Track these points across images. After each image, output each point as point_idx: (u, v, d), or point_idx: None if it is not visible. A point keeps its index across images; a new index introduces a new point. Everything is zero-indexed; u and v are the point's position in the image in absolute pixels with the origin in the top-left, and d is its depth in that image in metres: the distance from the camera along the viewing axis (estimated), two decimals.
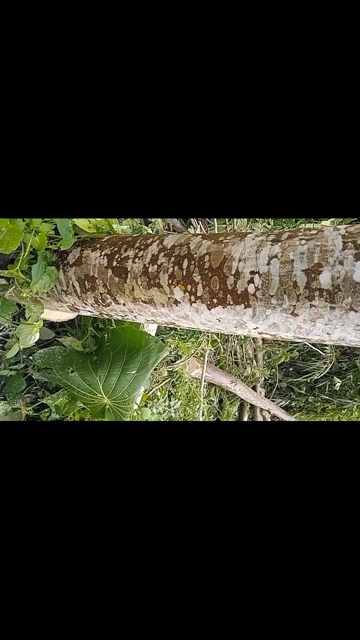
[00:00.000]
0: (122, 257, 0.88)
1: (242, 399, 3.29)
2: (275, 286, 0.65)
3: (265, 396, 3.42)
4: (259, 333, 0.74)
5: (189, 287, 0.78)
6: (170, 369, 2.40)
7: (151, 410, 1.99)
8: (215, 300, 0.75)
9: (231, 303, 0.72)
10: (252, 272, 0.68)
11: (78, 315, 1.44)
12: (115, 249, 0.91)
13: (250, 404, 3.40)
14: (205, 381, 2.73)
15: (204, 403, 2.81)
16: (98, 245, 0.96)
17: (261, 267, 0.67)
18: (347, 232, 0.60)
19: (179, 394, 2.59)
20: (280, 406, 3.48)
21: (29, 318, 1.16)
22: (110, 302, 0.97)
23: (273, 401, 3.43)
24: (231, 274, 0.71)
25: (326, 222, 1.33)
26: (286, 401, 3.46)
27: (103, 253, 0.93)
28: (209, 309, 0.77)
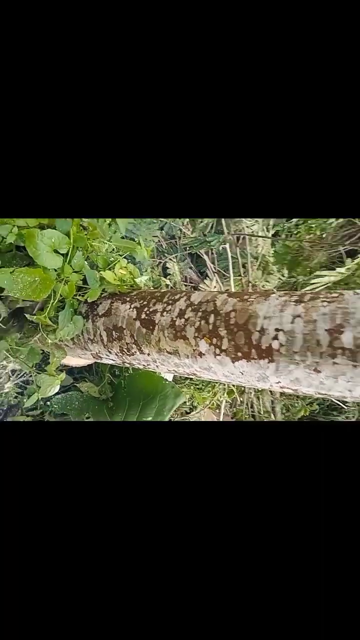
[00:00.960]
0: (150, 310, 0.99)
1: None
2: (299, 343, 0.73)
3: None
4: (281, 387, 0.80)
5: (214, 340, 0.86)
6: (186, 420, 2.39)
7: None
8: (239, 354, 0.82)
9: (255, 357, 0.80)
10: (276, 329, 0.76)
11: (95, 362, 1.53)
12: (145, 302, 1.02)
13: None
14: None
15: None
16: (128, 299, 1.07)
17: (285, 325, 0.75)
18: None
19: None
20: None
21: (52, 363, 1.25)
22: (135, 352, 1.05)
23: None
24: (256, 330, 0.79)
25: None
26: None
27: (132, 306, 1.04)
28: (233, 362, 0.84)
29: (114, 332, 1.06)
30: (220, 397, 2.56)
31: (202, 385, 2.36)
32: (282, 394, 3.06)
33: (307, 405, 2.84)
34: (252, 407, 3.27)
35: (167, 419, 1.42)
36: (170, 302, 0.96)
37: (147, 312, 0.99)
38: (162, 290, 1.05)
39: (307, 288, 1.40)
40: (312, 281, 1.37)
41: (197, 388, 2.42)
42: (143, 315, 0.99)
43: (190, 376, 1.03)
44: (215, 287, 2.10)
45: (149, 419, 1.41)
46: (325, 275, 1.35)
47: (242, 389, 2.93)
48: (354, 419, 2.83)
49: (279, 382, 0.80)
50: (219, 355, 0.87)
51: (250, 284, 1.90)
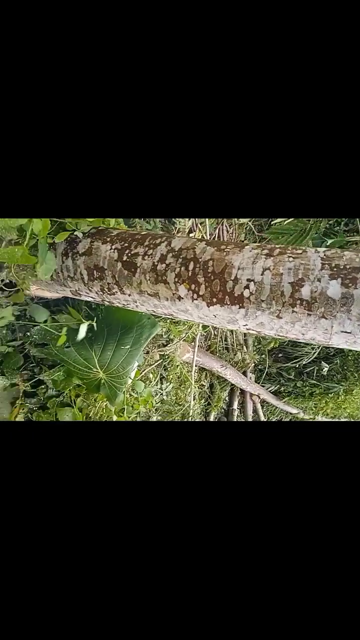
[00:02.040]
0: (132, 253, 1.09)
1: (232, 384, 3.62)
2: (267, 293, 0.89)
3: (255, 381, 3.77)
4: (247, 329, 0.99)
5: (192, 286, 1.00)
6: (162, 353, 2.65)
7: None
8: (214, 300, 0.98)
9: (228, 303, 0.96)
10: (248, 280, 0.91)
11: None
12: (126, 244, 1.11)
13: (241, 389, 3.74)
14: (196, 365, 3.01)
15: (195, 387, 3.11)
16: (108, 239, 1.15)
17: (256, 277, 0.90)
18: (325, 255, 0.84)
19: (171, 377, 2.87)
20: (269, 391, 3.85)
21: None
22: (116, 292, 1.18)
23: (263, 386, 3.79)
24: (231, 279, 0.94)
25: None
26: (275, 386, 3.83)
27: (113, 247, 1.13)
28: (208, 307, 1.00)
29: (95, 272, 1.17)
30: (195, 330, 2.81)
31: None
32: None
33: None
34: (226, 340, 3.60)
35: (143, 348, 1.62)
36: (152, 246, 1.06)
37: (129, 254, 1.09)
38: (142, 233, 1.13)
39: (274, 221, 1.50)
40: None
41: (173, 322, 2.63)
42: (125, 258, 1.10)
43: (168, 316, 1.19)
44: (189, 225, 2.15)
45: (127, 347, 1.60)
46: None
47: None
48: (318, 350, 3.24)
49: (246, 324, 0.98)
50: (196, 299, 1.02)
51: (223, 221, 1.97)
